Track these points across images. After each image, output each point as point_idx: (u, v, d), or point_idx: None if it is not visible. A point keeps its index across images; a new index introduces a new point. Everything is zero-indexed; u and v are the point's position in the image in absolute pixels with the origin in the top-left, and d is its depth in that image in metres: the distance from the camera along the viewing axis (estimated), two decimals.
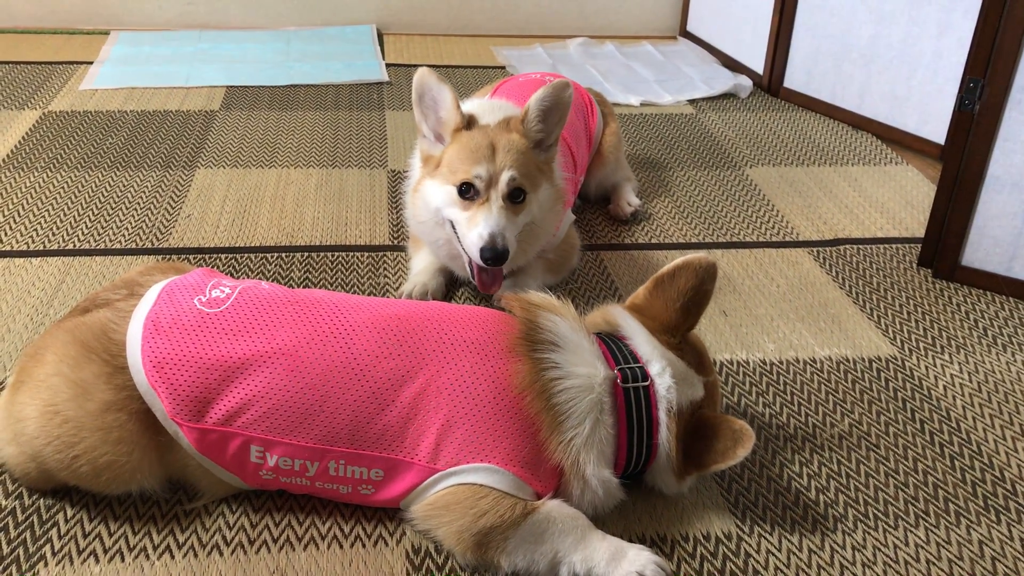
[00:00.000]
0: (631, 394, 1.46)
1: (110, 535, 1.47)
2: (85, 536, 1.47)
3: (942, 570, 1.49)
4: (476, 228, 1.92)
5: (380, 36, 4.17)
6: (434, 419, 1.42)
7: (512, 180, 1.94)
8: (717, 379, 1.64)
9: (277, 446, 1.42)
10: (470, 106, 2.17)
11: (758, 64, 3.68)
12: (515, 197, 1.96)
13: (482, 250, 1.89)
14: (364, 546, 1.48)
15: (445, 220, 2.00)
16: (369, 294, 2.17)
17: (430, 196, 2.02)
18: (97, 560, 1.43)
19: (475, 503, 1.40)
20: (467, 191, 1.94)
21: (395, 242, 2.41)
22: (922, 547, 1.53)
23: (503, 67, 3.84)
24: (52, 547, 1.45)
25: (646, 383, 1.47)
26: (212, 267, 2.23)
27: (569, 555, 1.41)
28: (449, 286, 2.20)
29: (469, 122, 2.02)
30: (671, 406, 1.47)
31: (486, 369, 1.44)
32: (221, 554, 1.45)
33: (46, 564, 1.42)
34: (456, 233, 1.99)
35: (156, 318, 1.46)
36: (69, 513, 1.51)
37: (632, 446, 1.47)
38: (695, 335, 1.62)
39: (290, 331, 1.45)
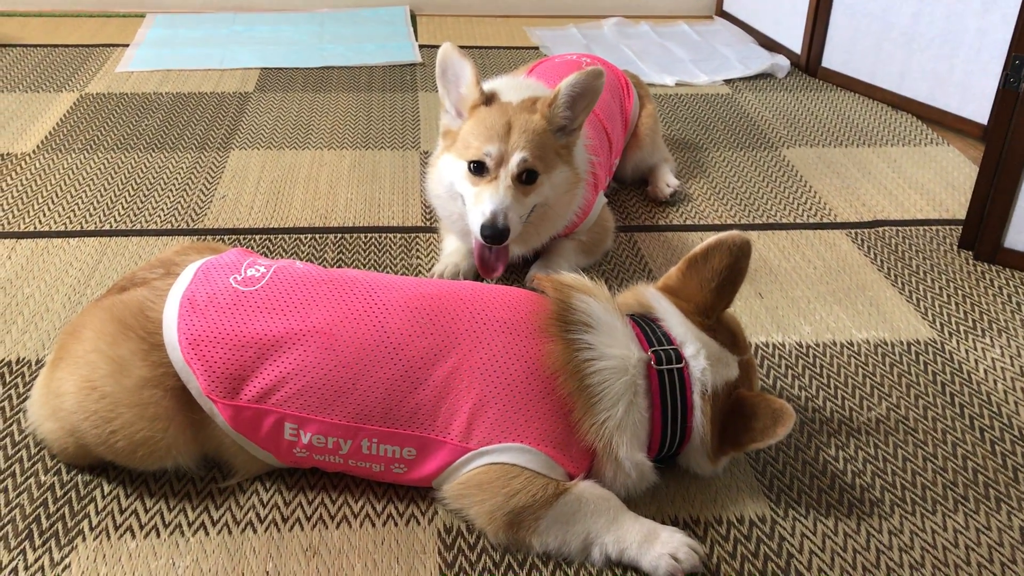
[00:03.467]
0: (665, 376, 1.45)
1: (146, 511, 1.49)
2: (122, 512, 1.49)
3: (981, 556, 1.46)
4: (480, 205, 1.91)
5: (413, 17, 4.16)
6: (466, 398, 1.41)
7: (523, 161, 1.92)
8: (752, 358, 1.61)
9: (311, 423, 1.43)
10: (498, 83, 2.15)
11: (796, 44, 3.62)
12: (526, 178, 1.94)
13: (482, 227, 1.88)
14: (396, 525, 1.48)
15: (457, 195, 2.00)
16: (402, 275, 2.16)
17: (445, 170, 2.02)
18: (133, 536, 1.45)
19: (507, 483, 1.40)
20: (477, 168, 1.93)
21: (428, 223, 2.40)
22: (961, 532, 1.50)
23: (536, 47, 3.81)
24: (90, 522, 1.47)
25: (680, 365, 1.46)
26: (247, 248, 2.24)
27: (601, 536, 1.40)
28: None
29: (489, 99, 1.99)
30: (705, 388, 1.45)
31: (518, 349, 1.44)
32: (255, 531, 1.46)
33: (84, 539, 1.44)
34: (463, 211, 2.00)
35: (192, 296, 1.47)
36: (106, 489, 1.52)
37: (666, 428, 1.46)
38: (730, 314, 1.60)
39: (324, 310, 1.46)
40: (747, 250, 1.53)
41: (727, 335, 1.53)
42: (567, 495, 1.40)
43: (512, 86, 2.13)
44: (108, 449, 1.45)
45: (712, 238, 1.54)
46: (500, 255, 1.98)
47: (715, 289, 1.53)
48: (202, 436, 1.49)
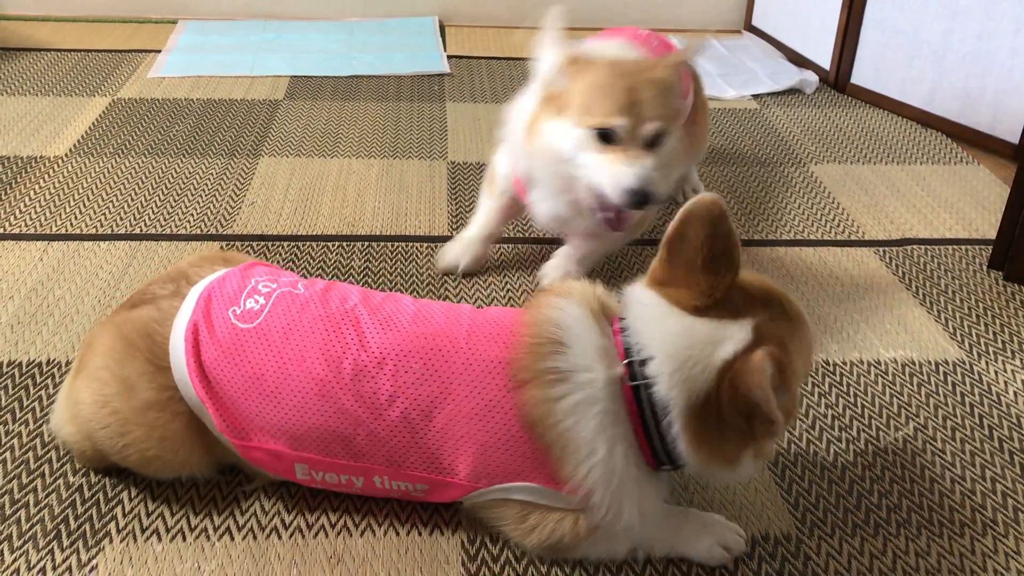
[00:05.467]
0: (640, 391, 1.30)
1: (172, 515, 1.50)
2: (148, 515, 1.50)
3: None
4: (621, 172, 1.79)
5: (442, 28, 4.19)
6: (468, 446, 1.37)
7: (655, 130, 1.81)
8: (784, 310, 1.30)
9: (319, 464, 1.42)
10: (593, 47, 2.08)
11: (825, 60, 3.61)
12: (654, 143, 1.83)
13: (631, 192, 1.77)
14: (420, 534, 1.48)
15: (570, 162, 1.87)
16: (427, 284, 2.17)
17: (555, 138, 1.87)
18: (159, 539, 1.46)
19: (523, 519, 1.39)
20: (606, 136, 1.81)
21: (453, 233, 2.41)
22: (990, 557, 1.49)
23: None
24: (117, 524, 1.48)
25: (647, 380, 1.29)
26: (275, 255, 2.26)
27: (651, 545, 1.42)
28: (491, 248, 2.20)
29: (600, 59, 1.87)
30: (679, 403, 1.26)
31: (509, 393, 1.36)
32: (280, 537, 1.47)
33: (111, 541, 1.45)
34: (579, 174, 1.87)
35: (195, 330, 1.45)
36: (133, 492, 1.54)
37: (655, 451, 1.33)
38: (749, 275, 1.35)
39: (319, 353, 1.41)
40: (719, 210, 1.28)
41: (732, 302, 1.29)
42: (598, 529, 1.36)
43: (610, 48, 2.06)
44: (122, 459, 1.46)
45: (679, 211, 1.31)
46: (626, 218, 1.90)
47: (704, 266, 1.29)
48: (218, 451, 1.49)
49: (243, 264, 1.61)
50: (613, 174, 1.80)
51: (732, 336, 1.25)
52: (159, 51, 3.72)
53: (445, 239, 2.38)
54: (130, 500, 1.52)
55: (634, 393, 1.30)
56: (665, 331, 1.28)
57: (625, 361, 1.31)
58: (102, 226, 2.37)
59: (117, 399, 1.42)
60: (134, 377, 1.43)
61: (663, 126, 1.83)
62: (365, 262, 2.26)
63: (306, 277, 1.61)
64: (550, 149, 1.89)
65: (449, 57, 3.80)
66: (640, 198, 1.78)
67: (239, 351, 1.43)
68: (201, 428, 1.45)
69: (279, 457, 1.43)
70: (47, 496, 1.52)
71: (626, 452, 1.32)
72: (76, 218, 2.40)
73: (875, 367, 1.93)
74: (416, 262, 2.27)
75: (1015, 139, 2.90)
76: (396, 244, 2.35)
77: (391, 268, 2.24)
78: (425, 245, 2.35)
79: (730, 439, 1.27)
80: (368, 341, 1.41)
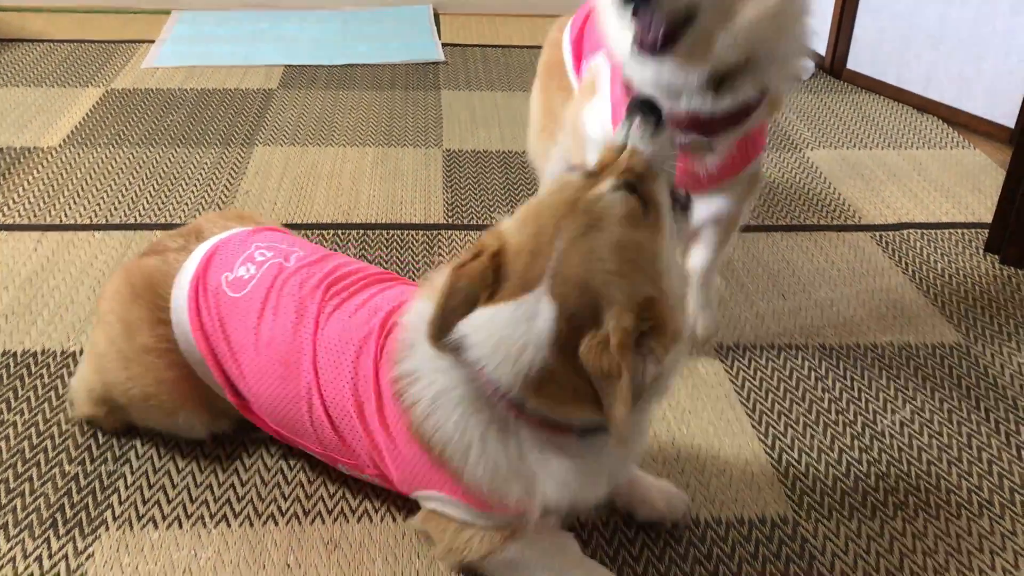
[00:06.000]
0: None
1: (168, 502, 1.50)
2: (144, 503, 1.49)
3: (1007, 561, 1.45)
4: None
5: (437, 16, 4.17)
6: (385, 447, 1.34)
7: None
8: (580, 259, 1.12)
9: (290, 440, 1.50)
10: None
11: (821, 46, 3.60)
12: None
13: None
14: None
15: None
16: (423, 271, 2.17)
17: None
18: (156, 526, 1.46)
19: (440, 535, 1.33)
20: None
21: (449, 221, 2.41)
22: (986, 538, 1.49)
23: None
24: (113, 512, 1.48)
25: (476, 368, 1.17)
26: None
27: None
28: None
29: None
30: (516, 385, 1.14)
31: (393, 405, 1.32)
32: (276, 523, 1.47)
33: (107, 528, 1.45)
34: None
35: (196, 291, 1.49)
36: (129, 480, 1.53)
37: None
38: (533, 207, 1.19)
39: (286, 339, 1.42)
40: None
41: (518, 263, 1.14)
42: (499, 553, 1.29)
43: None
44: (125, 394, 1.52)
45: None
46: (656, 25, 1.47)
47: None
48: (213, 403, 1.53)
49: (253, 227, 1.63)
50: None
51: (539, 312, 1.12)
52: (152, 41, 3.70)
53: (440, 227, 2.37)
54: (126, 488, 1.52)
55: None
56: (474, 320, 1.15)
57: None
58: (96, 216, 2.36)
59: (120, 339, 1.50)
60: (135, 322, 1.50)
61: None
62: (360, 250, 2.25)
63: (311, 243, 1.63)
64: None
65: (444, 45, 3.78)
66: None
67: (224, 319, 1.47)
68: (194, 381, 1.50)
69: (262, 423, 1.50)
70: (43, 485, 1.52)
71: (506, 431, 1.20)
72: (70, 208, 2.39)
73: (872, 351, 1.93)
74: (412, 250, 2.26)
75: (1011, 123, 2.90)
76: (391, 232, 2.34)
77: (387, 256, 2.23)
78: (420, 233, 2.34)
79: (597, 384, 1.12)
80: (321, 331, 1.42)
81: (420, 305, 1.25)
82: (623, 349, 1.06)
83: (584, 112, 1.75)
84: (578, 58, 2.01)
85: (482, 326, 1.14)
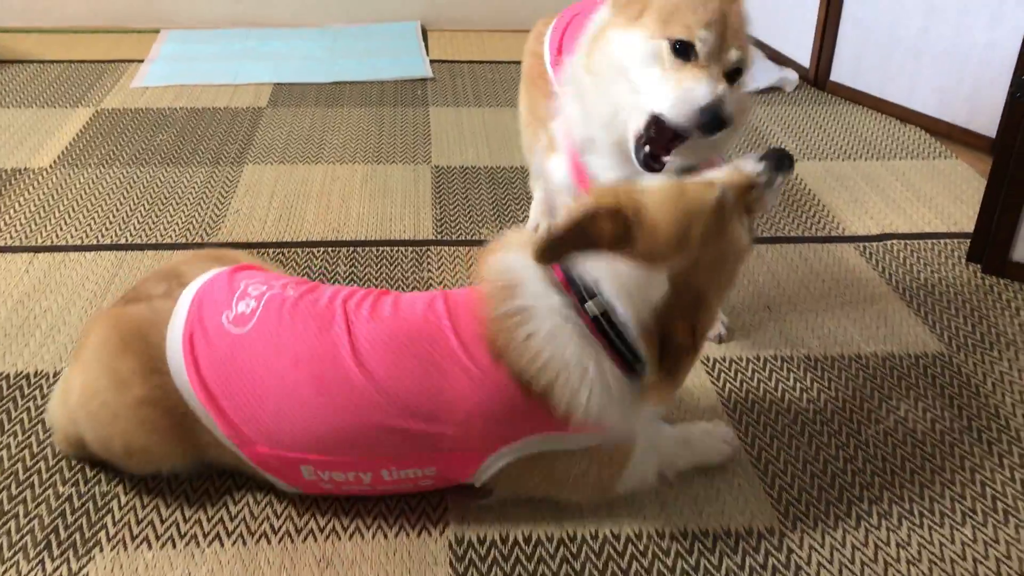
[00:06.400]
0: (599, 320, 1.34)
1: (162, 522, 1.51)
2: (138, 523, 1.51)
3: (990, 569, 1.47)
4: (694, 87, 1.56)
5: (425, 32, 4.20)
6: (471, 420, 1.40)
7: (738, 61, 1.61)
8: (698, 257, 1.33)
9: (325, 464, 1.44)
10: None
11: (804, 57, 3.64)
12: (733, 78, 1.63)
13: (703, 110, 1.54)
14: (408, 536, 1.50)
15: (627, 80, 1.64)
16: (412, 288, 2.19)
17: (622, 49, 1.63)
18: (150, 546, 1.47)
19: (550, 475, 1.45)
20: (683, 50, 1.57)
21: (438, 236, 2.43)
22: (968, 545, 1.51)
23: None
24: (107, 533, 1.49)
25: (602, 307, 1.34)
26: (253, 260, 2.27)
27: (669, 459, 1.55)
28: None
29: None
30: (634, 327, 1.33)
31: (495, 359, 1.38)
32: (269, 542, 1.48)
33: (101, 549, 1.46)
34: (635, 99, 1.63)
35: (191, 338, 1.46)
36: (122, 500, 1.55)
37: (626, 360, 1.36)
38: (657, 204, 1.33)
39: (313, 352, 1.42)
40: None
41: (653, 241, 1.31)
42: (620, 465, 1.48)
43: None
44: (104, 449, 1.51)
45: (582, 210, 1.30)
46: (670, 148, 1.64)
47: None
48: (205, 448, 1.50)
49: (232, 266, 1.62)
50: (685, 89, 1.56)
51: (655, 284, 1.32)
52: (142, 61, 3.73)
53: (430, 243, 2.40)
54: (120, 508, 1.53)
55: (593, 319, 1.34)
56: (609, 270, 1.33)
57: (574, 291, 1.36)
58: (87, 237, 2.38)
59: (107, 392, 1.45)
60: (127, 374, 1.45)
61: (744, 60, 1.63)
62: (351, 267, 2.27)
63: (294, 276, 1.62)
64: (613, 63, 1.64)
65: (432, 61, 3.82)
66: (712, 118, 1.54)
67: (235, 357, 1.44)
68: (188, 425, 1.46)
69: (284, 461, 1.45)
70: (36, 507, 1.53)
71: (610, 365, 1.36)
72: (61, 229, 2.41)
73: (856, 361, 1.96)
74: (401, 266, 2.28)
75: (992, 133, 2.94)
76: (381, 249, 2.37)
77: (376, 273, 2.25)
78: (410, 249, 2.36)
79: (678, 354, 1.36)
80: (355, 336, 1.43)
81: (511, 256, 1.40)
82: (702, 340, 1.38)
83: (549, 164, 1.96)
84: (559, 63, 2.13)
85: (615, 275, 1.33)
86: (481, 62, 3.85)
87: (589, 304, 1.34)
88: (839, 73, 3.48)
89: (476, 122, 3.21)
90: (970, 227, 2.47)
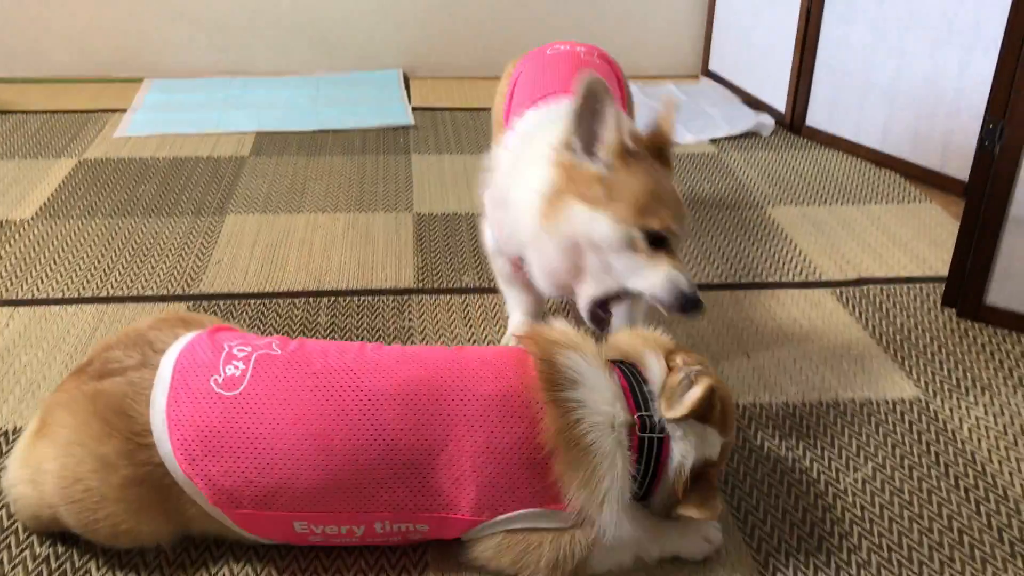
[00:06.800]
0: (646, 443, 1.47)
1: None
2: None
3: None
4: (677, 278, 1.70)
5: (407, 80, 4.25)
6: (471, 480, 1.42)
7: (683, 239, 1.79)
8: (733, 439, 1.63)
9: (319, 519, 1.44)
10: (538, 118, 2.00)
11: (780, 102, 3.70)
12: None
13: (688, 298, 1.69)
14: None
15: (597, 257, 1.73)
16: (394, 337, 2.20)
17: (590, 226, 1.71)
18: None
19: (536, 551, 1.45)
20: (656, 241, 1.70)
21: (420, 285, 2.44)
22: None
23: None
24: None
25: (662, 435, 1.48)
26: (241, 313, 2.28)
27: (648, 551, 1.54)
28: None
29: (634, 152, 1.73)
30: (683, 465, 1.48)
31: (514, 425, 1.44)
32: None
33: None
34: (595, 272, 1.75)
35: (176, 405, 1.44)
36: (100, 562, 1.53)
37: (641, 487, 1.51)
38: (726, 391, 1.57)
39: (313, 409, 1.43)
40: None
41: (721, 415, 1.52)
42: (601, 543, 1.47)
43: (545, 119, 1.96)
44: (87, 531, 1.47)
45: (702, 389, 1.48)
46: (612, 313, 1.85)
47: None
48: (191, 518, 1.48)
49: (208, 328, 1.61)
50: (669, 277, 1.70)
51: (715, 445, 1.52)
52: (125, 110, 3.75)
53: (411, 291, 2.41)
54: (97, 570, 1.52)
55: (640, 444, 1.46)
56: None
57: (638, 415, 1.47)
58: (68, 289, 2.38)
59: (92, 477, 1.41)
60: (112, 456, 1.42)
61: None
62: (332, 317, 2.28)
63: (271, 335, 1.62)
64: (582, 237, 1.72)
65: (414, 109, 3.86)
66: (696, 304, 1.71)
67: (227, 420, 1.42)
68: (175, 499, 1.44)
69: (274, 521, 1.44)
70: (13, 569, 1.52)
71: (629, 476, 1.46)
72: (43, 282, 2.41)
73: (834, 408, 1.98)
74: (383, 316, 2.30)
75: (964, 177, 2.98)
76: (363, 298, 2.38)
77: (357, 323, 2.26)
78: (391, 298, 2.38)
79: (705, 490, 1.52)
80: (360, 387, 1.45)
81: (576, 357, 1.50)
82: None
83: (482, 224, 2.15)
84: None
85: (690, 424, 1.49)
86: (463, 109, 3.90)
87: (646, 436, 1.47)
88: (815, 118, 3.54)
89: (458, 169, 3.24)
90: (945, 271, 2.50)
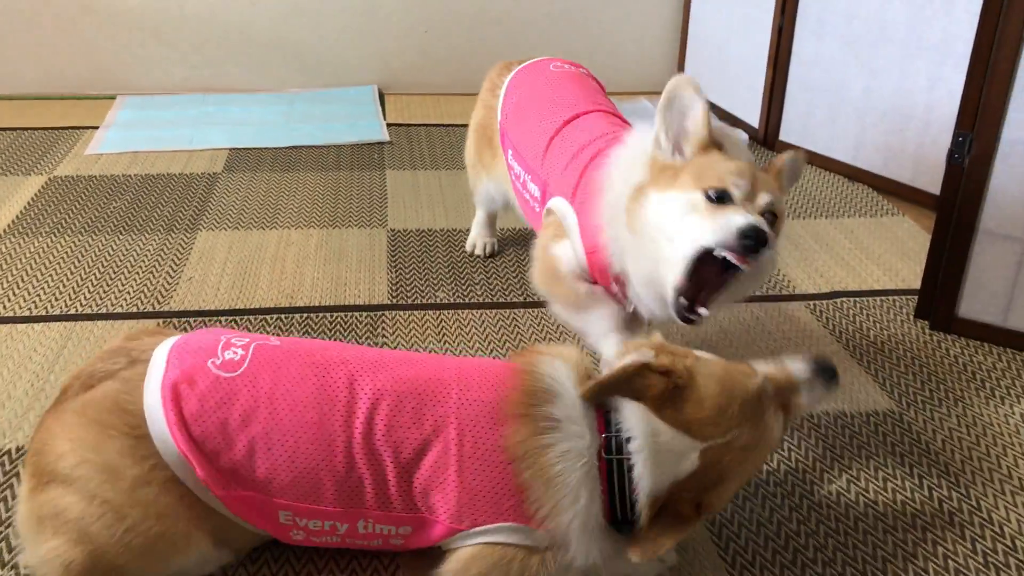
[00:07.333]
0: (612, 466, 1.40)
1: None
2: None
3: None
4: (731, 217, 1.61)
5: (382, 96, 4.24)
6: (453, 483, 1.41)
7: (769, 204, 1.68)
8: (732, 439, 1.39)
9: (304, 511, 1.43)
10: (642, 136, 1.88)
11: (753, 118, 3.72)
12: (770, 222, 1.68)
13: (744, 230, 1.57)
14: None
15: (665, 235, 1.69)
16: None
17: (658, 207, 1.70)
18: None
19: (505, 566, 1.41)
20: (720, 196, 1.64)
21: (393, 301, 2.43)
22: None
23: None
24: None
25: (624, 456, 1.39)
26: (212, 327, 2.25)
27: (598, 570, 1.47)
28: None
29: (719, 143, 1.76)
30: (645, 488, 1.38)
31: (498, 433, 1.42)
32: None
33: None
34: (673, 250, 1.68)
35: (174, 384, 1.42)
36: None
37: (615, 513, 1.41)
38: (717, 380, 1.40)
39: (310, 398, 1.43)
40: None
41: (697, 412, 1.38)
42: (571, 569, 1.43)
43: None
44: (128, 549, 1.38)
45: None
46: (707, 301, 1.70)
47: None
48: (214, 521, 1.45)
49: (205, 329, 1.59)
50: (723, 221, 1.61)
51: (689, 455, 1.37)
52: (97, 127, 3.72)
53: (385, 307, 2.39)
54: None
55: (608, 467, 1.40)
56: (649, 427, 1.38)
57: (604, 435, 1.40)
58: (36, 307, 2.35)
59: (104, 488, 1.37)
60: (115, 458, 1.38)
61: (776, 204, 1.71)
62: (304, 334, 2.26)
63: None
64: (652, 220, 1.71)
65: (389, 125, 3.85)
66: (753, 237, 1.58)
67: (223, 399, 1.41)
68: (190, 496, 1.41)
69: (262, 507, 1.42)
70: None
71: (598, 505, 1.40)
72: (9, 300, 2.38)
73: (808, 420, 1.97)
74: (356, 332, 2.28)
75: (936, 190, 3.00)
76: (336, 314, 2.36)
77: (330, 339, 2.24)
78: (365, 315, 2.36)
79: (672, 523, 1.40)
80: (359, 384, 1.44)
81: (559, 366, 1.46)
82: (702, 518, 1.42)
83: (556, 249, 1.98)
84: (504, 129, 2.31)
85: (652, 436, 1.37)
86: (438, 125, 3.89)
87: (611, 457, 1.39)
88: (788, 133, 3.56)
89: (432, 185, 3.23)
90: (917, 283, 2.51)
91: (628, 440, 1.38)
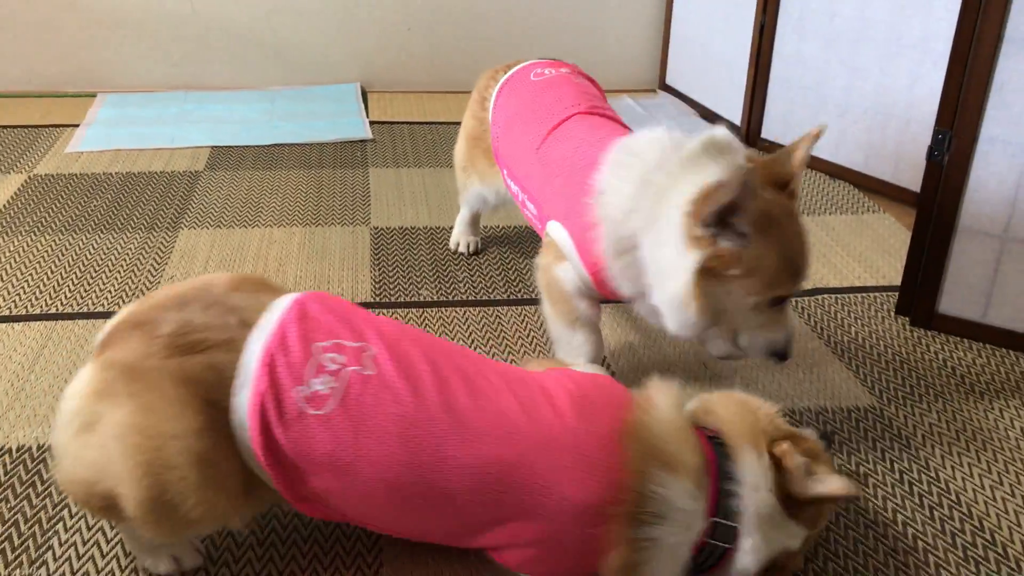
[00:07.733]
0: (707, 548, 1.38)
1: None
2: None
3: None
4: (774, 333, 1.72)
5: (364, 94, 4.23)
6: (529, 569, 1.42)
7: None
8: (819, 532, 1.51)
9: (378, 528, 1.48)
10: (651, 139, 1.90)
11: (736, 116, 3.74)
12: None
13: (779, 351, 1.74)
14: None
15: (726, 324, 1.72)
16: None
17: (723, 299, 1.67)
18: None
19: None
20: (778, 301, 1.69)
21: (376, 299, 2.43)
22: None
23: None
24: None
25: (728, 546, 1.38)
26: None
27: None
28: None
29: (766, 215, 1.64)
30: (746, 570, 1.39)
31: (578, 533, 1.35)
32: None
33: None
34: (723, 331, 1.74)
35: (262, 407, 1.33)
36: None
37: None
38: (832, 482, 1.40)
39: (391, 457, 1.34)
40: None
41: (813, 509, 1.42)
42: None
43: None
44: (154, 504, 1.32)
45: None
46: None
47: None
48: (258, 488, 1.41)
49: (296, 298, 1.46)
50: (771, 334, 1.73)
51: (796, 537, 1.42)
52: (77, 125, 3.69)
53: (369, 305, 2.39)
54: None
55: (700, 549, 1.38)
56: (767, 518, 1.38)
57: (713, 519, 1.37)
58: (16, 307, 2.33)
59: (170, 445, 1.29)
60: (212, 454, 1.32)
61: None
62: None
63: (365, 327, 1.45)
64: (714, 309, 1.67)
65: (372, 123, 3.84)
66: (784, 354, 1.75)
67: (308, 438, 1.33)
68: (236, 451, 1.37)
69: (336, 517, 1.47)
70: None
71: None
72: None
73: (790, 417, 1.99)
74: None
75: (916, 187, 3.02)
76: None
77: None
78: None
79: None
80: (443, 448, 1.34)
81: (673, 484, 1.36)
82: None
83: (558, 271, 1.97)
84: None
85: (769, 528, 1.39)
86: (421, 123, 3.89)
87: (714, 542, 1.38)
88: (769, 130, 3.58)
89: (416, 183, 3.23)
90: (898, 280, 2.53)
91: (733, 519, 1.38)
